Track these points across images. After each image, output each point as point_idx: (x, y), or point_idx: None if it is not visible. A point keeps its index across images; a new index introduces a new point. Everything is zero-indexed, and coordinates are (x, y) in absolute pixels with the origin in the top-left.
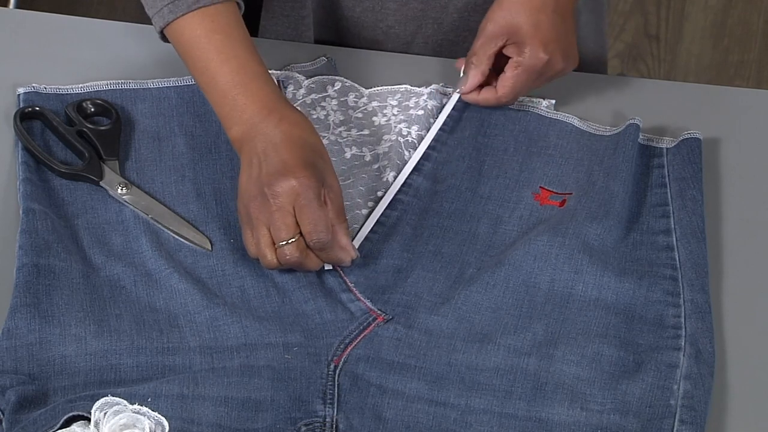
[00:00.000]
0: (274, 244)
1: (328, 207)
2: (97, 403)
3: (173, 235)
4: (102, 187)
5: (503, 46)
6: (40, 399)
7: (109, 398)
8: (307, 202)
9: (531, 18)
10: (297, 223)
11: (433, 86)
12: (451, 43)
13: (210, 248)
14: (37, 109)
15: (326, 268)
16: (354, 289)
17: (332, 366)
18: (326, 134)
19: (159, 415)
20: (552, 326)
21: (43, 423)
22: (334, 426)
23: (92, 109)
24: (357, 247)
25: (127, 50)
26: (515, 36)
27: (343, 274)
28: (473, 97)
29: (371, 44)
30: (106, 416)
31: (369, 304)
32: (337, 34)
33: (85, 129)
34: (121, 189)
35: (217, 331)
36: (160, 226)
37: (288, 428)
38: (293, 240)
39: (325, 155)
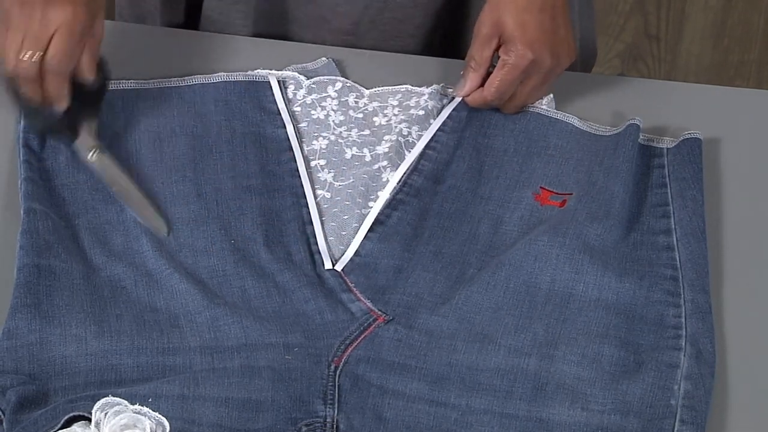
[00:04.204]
0: (20, 51)
1: (83, 48)
2: (98, 404)
3: (132, 213)
4: (73, 147)
5: (498, 47)
6: (40, 399)
7: (110, 398)
8: (70, 34)
9: (517, 18)
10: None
11: (434, 86)
12: (398, 22)
13: (166, 233)
14: None
15: (326, 267)
16: (354, 289)
17: (333, 367)
18: (326, 134)
19: (159, 416)
20: (552, 326)
21: (43, 423)
22: (335, 426)
23: None
24: (357, 247)
25: (127, 50)
26: (503, 35)
27: (343, 275)
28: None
29: (318, 22)
30: (107, 416)
31: (369, 304)
32: (281, 14)
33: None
34: (92, 155)
35: (217, 331)
36: (121, 201)
37: (288, 429)
38: (38, 55)
39: None
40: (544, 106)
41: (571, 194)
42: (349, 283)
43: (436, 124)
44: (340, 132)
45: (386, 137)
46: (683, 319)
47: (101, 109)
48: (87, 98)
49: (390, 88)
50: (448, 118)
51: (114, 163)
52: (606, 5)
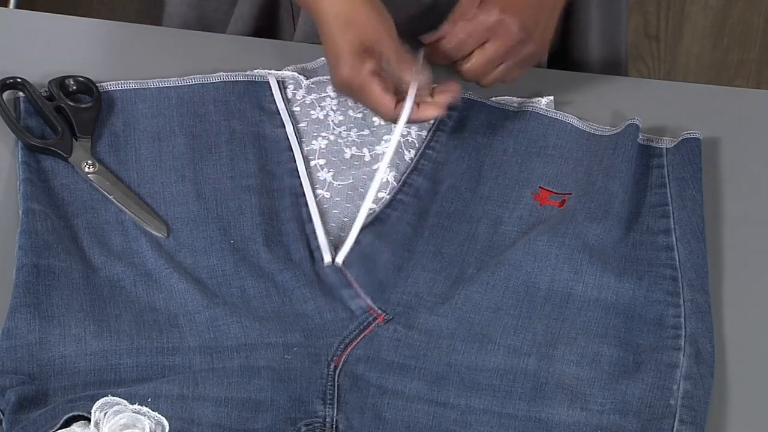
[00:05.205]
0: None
1: None
2: (97, 403)
3: (133, 217)
4: (69, 163)
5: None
6: (40, 399)
7: (110, 398)
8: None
9: None
10: None
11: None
12: None
13: (166, 235)
14: (19, 80)
15: (326, 262)
16: (354, 284)
17: (332, 366)
18: (326, 134)
19: (159, 415)
20: (552, 326)
21: (43, 423)
22: (334, 426)
23: (74, 87)
24: (353, 241)
25: (127, 50)
26: None
27: (344, 269)
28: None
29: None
30: (107, 416)
31: (369, 302)
32: None
33: (62, 105)
34: (88, 167)
35: (217, 330)
36: (120, 206)
37: (288, 428)
38: None
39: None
40: (543, 106)
41: (571, 194)
42: (349, 278)
43: (435, 124)
44: (340, 132)
45: (386, 137)
46: (682, 319)
47: (96, 126)
48: (81, 118)
49: None
50: (447, 117)
51: (110, 175)
52: None
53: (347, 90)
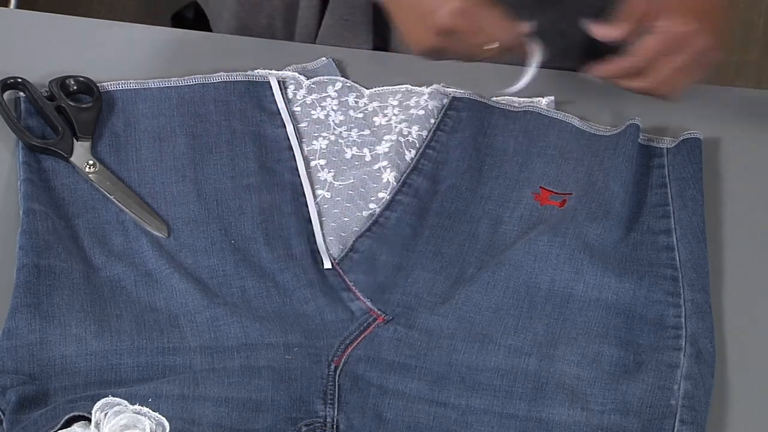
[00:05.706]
0: None
1: None
2: (98, 404)
3: (134, 217)
4: (70, 163)
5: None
6: (40, 399)
7: (110, 398)
8: None
9: None
10: None
11: (434, 86)
12: None
13: (167, 235)
14: (20, 80)
15: (325, 266)
16: (353, 287)
17: (333, 366)
18: (326, 134)
19: (160, 416)
20: (552, 326)
21: (43, 423)
22: (335, 426)
23: (75, 87)
24: (355, 244)
25: (127, 50)
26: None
27: (342, 273)
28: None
29: None
30: (107, 416)
31: (369, 303)
32: (395, 38)
33: (63, 105)
34: (89, 167)
35: (217, 331)
36: (121, 207)
37: (288, 428)
38: None
39: None
40: (544, 106)
41: (571, 194)
42: (348, 282)
43: (435, 124)
44: (340, 132)
45: (386, 137)
46: (683, 319)
47: (96, 126)
48: (82, 118)
49: (390, 88)
50: (447, 117)
51: (111, 175)
52: None
53: (461, 21)
